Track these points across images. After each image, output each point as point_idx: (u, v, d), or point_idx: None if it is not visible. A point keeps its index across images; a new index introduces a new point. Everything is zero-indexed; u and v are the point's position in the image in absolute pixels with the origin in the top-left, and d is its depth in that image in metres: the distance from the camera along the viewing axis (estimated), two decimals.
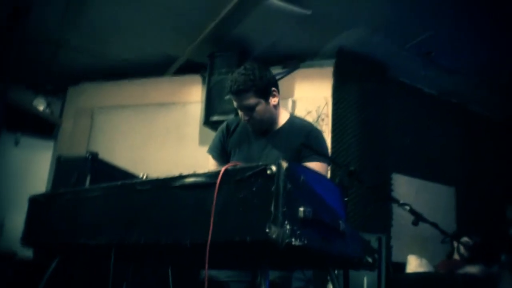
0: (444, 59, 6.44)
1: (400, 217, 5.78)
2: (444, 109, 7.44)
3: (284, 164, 1.68)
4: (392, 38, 6.02)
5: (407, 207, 2.82)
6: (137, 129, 6.90)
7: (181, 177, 1.96)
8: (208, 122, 6.06)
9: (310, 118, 5.78)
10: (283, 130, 3.39)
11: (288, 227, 1.64)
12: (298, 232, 1.68)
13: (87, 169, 3.62)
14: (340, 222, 1.97)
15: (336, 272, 3.02)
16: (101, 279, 2.53)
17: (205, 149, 3.62)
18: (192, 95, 6.81)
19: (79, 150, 6.80)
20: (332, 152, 5.86)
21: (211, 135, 3.73)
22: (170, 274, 3.68)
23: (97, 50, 6.62)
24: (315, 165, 3.08)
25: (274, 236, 1.61)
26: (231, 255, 2.29)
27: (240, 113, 3.33)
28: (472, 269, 5.43)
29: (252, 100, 3.21)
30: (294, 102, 6.29)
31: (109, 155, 4.11)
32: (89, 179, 3.56)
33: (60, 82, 7.51)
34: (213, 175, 1.84)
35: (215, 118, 5.87)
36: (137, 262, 2.94)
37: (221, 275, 3.17)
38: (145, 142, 6.78)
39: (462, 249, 5.58)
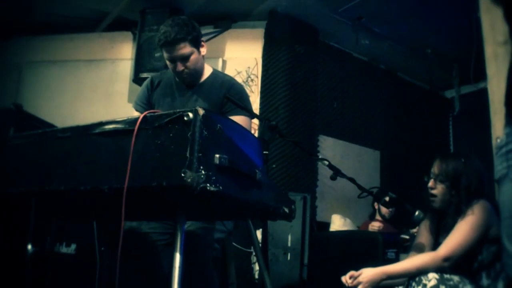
0: (374, 25, 6.53)
1: (325, 178, 5.91)
2: (373, 75, 7.54)
3: (201, 111, 1.73)
4: (324, 2, 6.06)
5: (326, 162, 2.91)
6: (66, 85, 6.76)
7: (101, 123, 1.96)
8: (137, 79, 5.98)
9: (239, 79, 5.82)
10: (206, 83, 3.43)
11: (203, 172, 1.69)
12: (214, 178, 1.73)
13: (10, 120, 3.56)
14: (257, 171, 2.03)
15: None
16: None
17: None
18: (122, 52, 6.71)
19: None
20: (261, 113, 5.90)
21: None
22: (95, 227, 3.70)
23: (26, 4, 6.41)
24: (237, 119, 3.13)
25: (189, 180, 1.66)
26: (152, 204, 2.33)
27: (171, 65, 3.33)
28: (391, 228, 5.65)
29: (187, 49, 3.25)
30: (224, 62, 6.28)
31: (37, 111, 4.04)
32: (12, 130, 3.50)
33: None
34: (132, 121, 1.86)
35: (145, 75, 5.75)
36: (59, 214, 2.92)
37: (144, 226, 3.21)
38: (74, 99, 6.65)
39: (383, 210, 5.76)
